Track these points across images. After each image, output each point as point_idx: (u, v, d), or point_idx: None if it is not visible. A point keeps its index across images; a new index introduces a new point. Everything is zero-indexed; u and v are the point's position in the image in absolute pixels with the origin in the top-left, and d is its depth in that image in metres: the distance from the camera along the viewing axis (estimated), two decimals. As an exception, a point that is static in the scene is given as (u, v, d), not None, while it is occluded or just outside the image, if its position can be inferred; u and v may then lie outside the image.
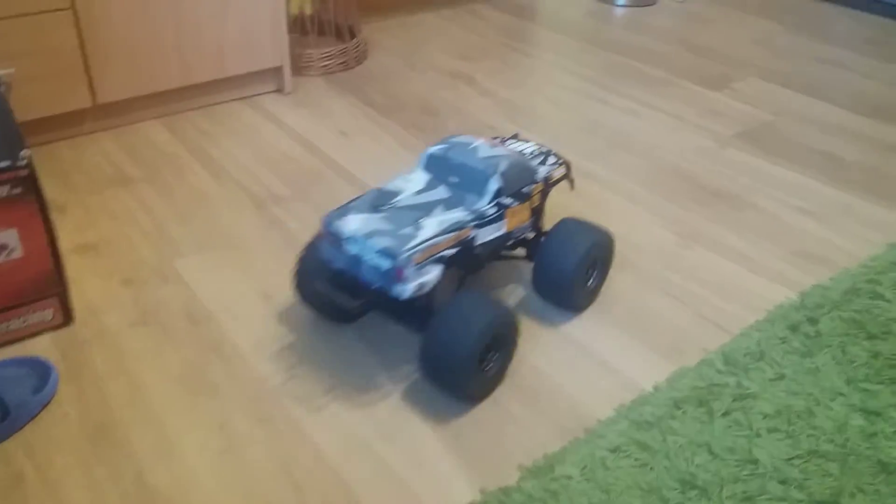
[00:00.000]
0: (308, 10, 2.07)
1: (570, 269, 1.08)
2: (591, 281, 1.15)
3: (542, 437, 0.96)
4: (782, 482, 0.90)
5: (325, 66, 1.94)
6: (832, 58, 2.20)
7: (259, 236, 1.32)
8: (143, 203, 1.40)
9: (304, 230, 1.34)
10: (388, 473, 0.91)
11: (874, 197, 1.50)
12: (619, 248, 1.32)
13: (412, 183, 1.07)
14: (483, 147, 1.08)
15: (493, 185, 1.02)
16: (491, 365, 0.98)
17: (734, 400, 1.00)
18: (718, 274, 1.27)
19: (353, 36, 2.02)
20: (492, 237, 1.04)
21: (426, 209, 1.00)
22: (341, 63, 1.96)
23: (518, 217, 1.08)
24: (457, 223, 0.99)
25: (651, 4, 2.59)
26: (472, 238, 1.01)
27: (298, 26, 2.03)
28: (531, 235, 1.16)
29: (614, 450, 0.93)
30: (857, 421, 0.99)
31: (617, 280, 1.24)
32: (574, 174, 1.54)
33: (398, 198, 1.03)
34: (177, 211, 1.39)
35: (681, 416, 0.98)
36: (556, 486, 0.89)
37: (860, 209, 1.46)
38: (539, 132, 1.70)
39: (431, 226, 0.97)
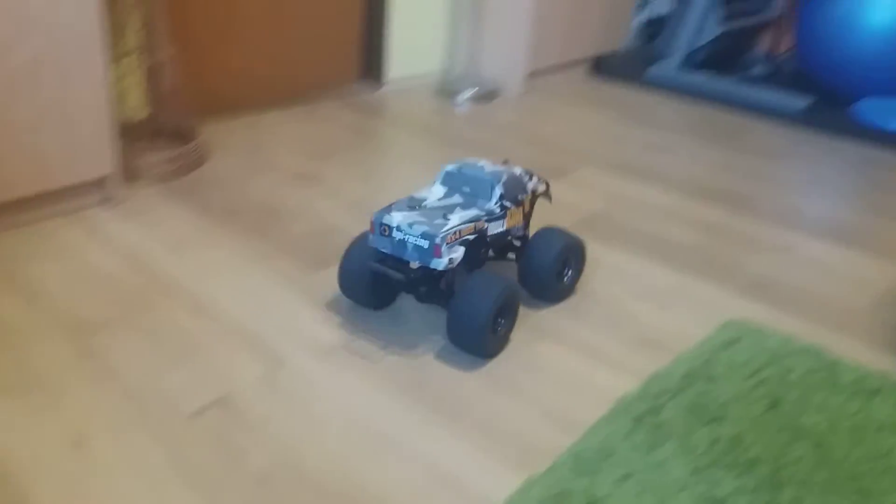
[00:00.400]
0: (142, 114, 1.99)
1: (547, 265, 1.39)
2: (566, 278, 1.46)
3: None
4: (635, 590, 0.87)
5: (159, 172, 1.86)
6: (658, 143, 2.35)
7: (73, 372, 1.20)
8: (-61, 341, 1.25)
9: (126, 361, 1.23)
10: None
11: (704, 277, 1.57)
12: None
13: (433, 193, 1.39)
14: (487, 165, 1.43)
15: (498, 190, 1.36)
16: (501, 328, 1.28)
17: (584, 505, 0.98)
18: (563, 368, 1.26)
19: (189, 139, 1.95)
20: (496, 231, 1.37)
21: (449, 209, 1.33)
22: (176, 169, 1.88)
23: (514, 218, 1.41)
24: (475, 216, 1.31)
25: (492, 99, 2.69)
26: (486, 229, 1.34)
27: (130, 131, 1.95)
28: (518, 243, 1.48)
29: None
30: (704, 512, 0.98)
31: (462, 381, 1.21)
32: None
33: (426, 202, 1.35)
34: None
35: (531, 528, 0.94)
36: None
37: (692, 289, 1.52)
38: (383, 232, 1.68)
39: (456, 218, 1.29)
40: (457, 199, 1.37)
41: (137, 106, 1.97)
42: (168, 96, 1.87)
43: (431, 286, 1.35)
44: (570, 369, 1.26)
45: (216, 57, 2.25)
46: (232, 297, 1.41)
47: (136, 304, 1.37)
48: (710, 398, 1.18)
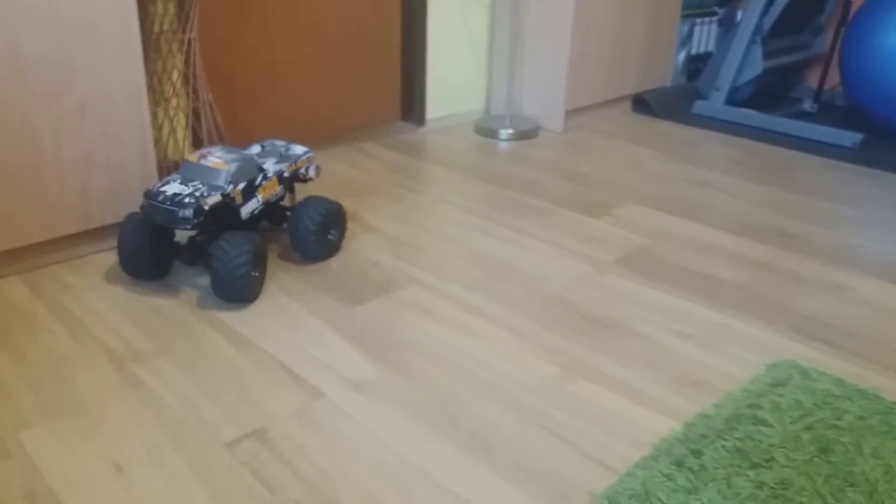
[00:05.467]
0: (184, 157, 2.03)
1: (313, 226, 1.63)
2: (330, 235, 1.70)
3: None
4: None
5: (204, 210, 1.89)
6: (703, 179, 2.32)
7: (115, 399, 1.22)
8: (-12, 370, 1.28)
9: (167, 390, 1.24)
10: None
11: (749, 317, 1.53)
12: (501, 384, 1.28)
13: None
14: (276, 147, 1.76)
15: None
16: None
17: (621, 549, 0.94)
18: (602, 407, 1.24)
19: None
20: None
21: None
22: (221, 207, 1.92)
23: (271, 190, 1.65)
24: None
25: (533, 137, 2.70)
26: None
27: (172, 172, 1.99)
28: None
29: None
30: (749, 560, 0.94)
31: (499, 420, 1.19)
32: (459, 308, 1.52)
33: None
34: (27, 376, 1.27)
35: (566, 572, 0.91)
36: None
37: (737, 329, 1.48)
38: (423, 266, 1.69)
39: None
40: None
41: (180, 148, 2.02)
42: (209, 139, 1.92)
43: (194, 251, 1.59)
44: (609, 408, 1.23)
45: (258, 101, 2.30)
46: (271, 329, 1.42)
47: (177, 335, 1.39)
48: (756, 442, 1.14)
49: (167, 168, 1.87)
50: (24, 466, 1.07)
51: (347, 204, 2.03)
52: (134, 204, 1.68)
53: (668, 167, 2.44)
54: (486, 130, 2.70)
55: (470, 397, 1.25)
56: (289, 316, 1.47)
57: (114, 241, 1.72)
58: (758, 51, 2.89)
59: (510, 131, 2.67)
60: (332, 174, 2.25)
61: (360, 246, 1.78)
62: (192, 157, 1.55)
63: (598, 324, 1.49)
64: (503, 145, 2.61)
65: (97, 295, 1.52)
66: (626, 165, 2.44)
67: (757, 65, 2.91)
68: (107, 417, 1.18)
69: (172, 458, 1.09)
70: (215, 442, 1.13)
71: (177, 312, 1.47)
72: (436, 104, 2.71)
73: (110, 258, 1.68)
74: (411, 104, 2.73)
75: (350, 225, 1.90)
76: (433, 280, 1.63)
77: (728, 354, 1.40)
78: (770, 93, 3.12)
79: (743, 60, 2.90)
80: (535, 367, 1.34)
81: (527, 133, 2.70)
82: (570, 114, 2.80)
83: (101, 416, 1.18)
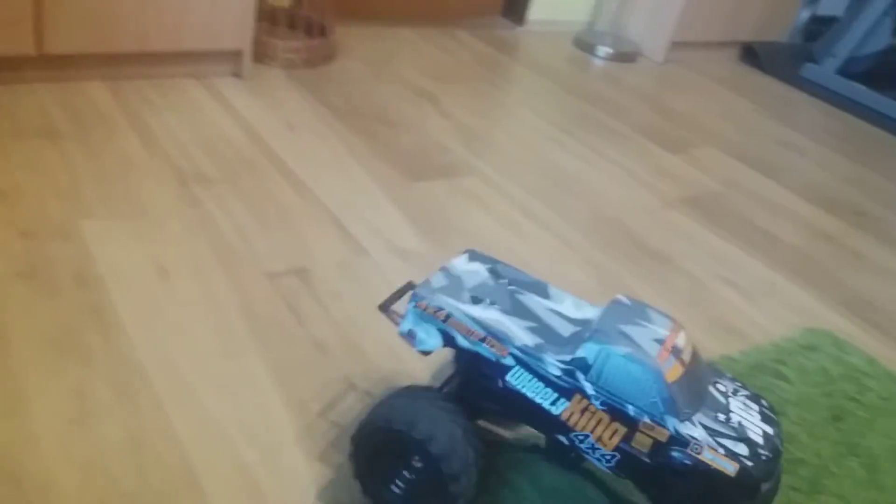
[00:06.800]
0: (285, 2, 2.05)
1: None
2: None
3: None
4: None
5: (289, 59, 1.91)
6: (792, 142, 2.24)
7: (174, 213, 1.28)
8: (65, 159, 1.35)
9: (222, 215, 1.30)
10: (240, 466, 0.87)
11: (801, 281, 1.51)
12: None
13: (574, 308, 0.89)
14: (650, 333, 0.82)
15: (584, 352, 0.80)
16: None
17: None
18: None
19: (323, 34, 2.00)
20: (527, 394, 0.83)
21: (521, 311, 0.86)
22: (306, 59, 1.94)
23: (588, 421, 0.81)
24: (499, 331, 0.83)
25: (631, 62, 2.62)
26: (502, 366, 0.83)
27: (269, 15, 2.01)
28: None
29: None
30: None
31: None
32: (513, 207, 1.53)
33: (541, 296, 0.89)
34: (98, 172, 1.34)
35: None
36: None
37: (785, 290, 1.46)
38: (489, 161, 1.69)
39: (472, 310, 0.85)
40: (563, 327, 0.86)
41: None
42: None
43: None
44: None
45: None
46: (332, 184, 1.46)
47: (244, 169, 1.44)
48: (772, 395, 1.14)
49: (263, 10, 1.89)
50: (80, 250, 1.15)
51: (429, 85, 2.02)
52: (227, 37, 1.70)
53: (761, 122, 2.35)
54: (585, 44, 2.63)
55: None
56: (352, 177, 1.50)
57: (203, 70, 1.76)
58: (888, 24, 2.72)
59: (609, 50, 2.60)
60: (420, 55, 2.23)
61: (432, 128, 1.79)
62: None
63: (648, 254, 1.48)
64: (599, 63, 2.54)
65: (176, 117, 1.58)
66: (717, 110, 2.36)
67: (884, 38, 2.74)
68: (163, 226, 1.24)
69: (215, 275, 1.16)
70: (258, 270, 1.19)
71: (248, 149, 1.52)
72: (540, 5, 2.64)
73: (193, 84, 1.72)
74: (514, 1, 2.66)
75: (427, 107, 1.90)
76: (495, 176, 1.64)
77: (769, 311, 1.39)
78: (888, 72, 2.95)
79: (870, 31, 2.73)
80: (575, 277, 1.36)
81: (626, 55, 2.62)
82: (674, 46, 2.70)
83: (158, 223, 1.25)
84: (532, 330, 0.84)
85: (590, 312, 0.87)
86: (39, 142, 1.38)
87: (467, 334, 0.83)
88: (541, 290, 0.90)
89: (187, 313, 1.08)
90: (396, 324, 0.88)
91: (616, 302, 0.85)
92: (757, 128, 2.30)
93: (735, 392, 0.86)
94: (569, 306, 0.88)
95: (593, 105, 2.16)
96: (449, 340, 0.85)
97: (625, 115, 2.14)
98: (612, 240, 1.50)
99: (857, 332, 1.39)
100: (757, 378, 1.17)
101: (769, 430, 0.82)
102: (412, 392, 0.87)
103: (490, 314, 0.84)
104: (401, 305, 0.88)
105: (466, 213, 1.47)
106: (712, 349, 1.24)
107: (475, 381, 0.86)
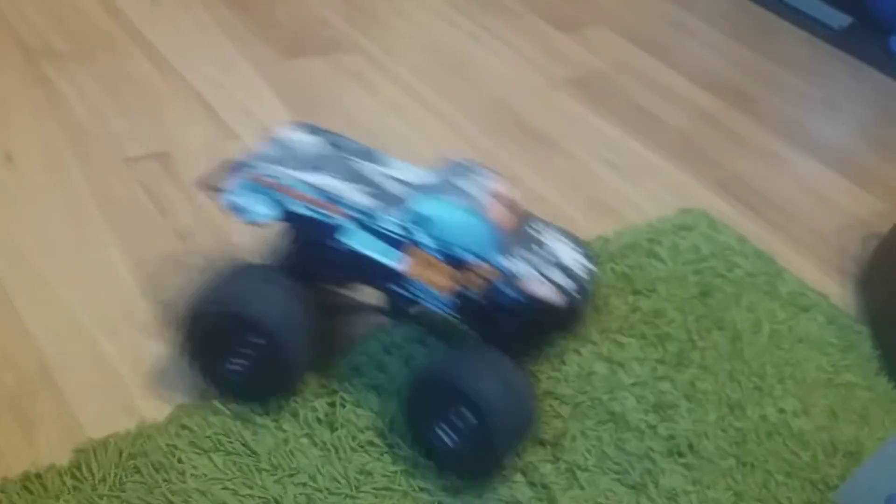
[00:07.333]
0: None
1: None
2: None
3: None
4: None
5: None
6: (683, 23, 2.23)
7: (19, 92, 1.17)
8: None
9: (75, 94, 1.19)
10: (98, 360, 0.83)
11: (680, 162, 1.53)
12: (420, 170, 1.27)
13: (405, 170, 0.89)
14: (478, 183, 0.86)
15: (422, 209, 0.82)
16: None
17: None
18: (511, 211, 1.25)
19: None
20: (365, 252, 0.83)
21: (351, 171, 0.86)
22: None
23: (426, 270, 0.84)
24: (335, 194, 0.82)
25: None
26: (336, 227, 0.83)
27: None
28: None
29: (354, 371, 0.90)
30: (601, 370, 1.00)
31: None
32: (399, 88, 1.47)
33: (371, 160, 0.89)
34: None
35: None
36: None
37: (664, 171, 1.49)
38: (373, 37, 1.61)
39: (311, 177, 0.83)
40: (396, 189, 0.87)
41: None
42: None
43: None
44: (518, 214, 1.24)
45: None
46: (198, 62, 1.36)
47: (99, 43, 1.32)
48: (644, 273, 1.17)
49: None
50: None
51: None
52: None
53: (655, 3, 2.33)
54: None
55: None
56: (221, 53, 1.40)
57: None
58: None
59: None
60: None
61: (310, 1, 1.67)
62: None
63: (532, 135, 1.47)
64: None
65: (20, -18, 1.41)
66: (611, -10, 2.31)
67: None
68: (6, 107, 1.13)
69: (68, 160, 1.07)
70: (115, 155, 1.11)
71: (104, 21, 1.38)
72: None
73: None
74: None
75: (309, -22, 1.77)
76: (380, 54, 1.56)
77: (647, 191, 1.41)
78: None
79: None
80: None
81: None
82: (571, -79, 2.60)
83: (2, 104, 1.13)
84: (368, 193, 0.84)
85: (425, 176, 0.89)
86: None
87: (301, 200, 0.82)
88: (377, 157, 0.90)
89: (37, 202, 1.00)
90: (219, 198, 0.83)
91: (447, 162, 0.89)
92: (650, 7, 2.27)
93: (549, 231, 0.95)
94: (405, 171, 0.89)
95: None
96: (282, 209, 0.83)
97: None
98: (498, 123, 1.47)
99: (731, 212, 1.43)
100: (630, 257, 1.19)
101: (580, 257, 0.94)
102: (241, 270, 0.85)
103: (325, 180, 0.84)
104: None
105: (347, 92, 1.41)
106: (589, 229, 1.25)
107: (311, 250, 0.86)
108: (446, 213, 0.81)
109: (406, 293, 0.85)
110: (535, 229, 0.92)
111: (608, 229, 1.26)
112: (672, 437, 0.94)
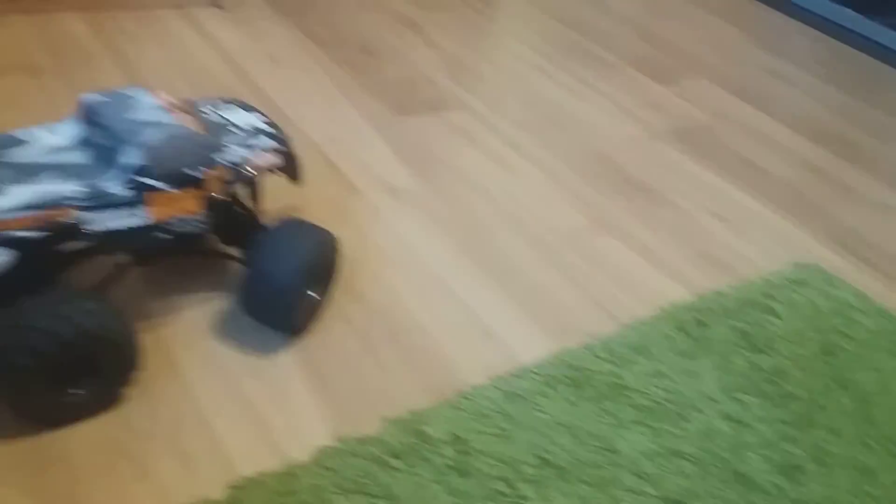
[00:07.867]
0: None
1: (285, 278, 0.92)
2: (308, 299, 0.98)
3: (412, 393, 0.94)
4: (637, 475, 0.89)
5: (270, -13, 1.84)
6: (781, 72, 2.21)
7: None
8: (46, 93, 1.31)
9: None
10: (249, 407, 0.87)
11: (789, 214, 1.51)
12: (529, 222, 1.29)
13: (56, 136, 0.86)
14: (150, 107, 0.87)
15: (130, 158, 0.82)
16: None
17: (607, 388, 0.99)
18: (620, 264, 1.25)
19: (304, -39, 1.93)
20: (120, 226, 0.83)
21: (34, 171, 0.80)
22: (287, -13, 1.87)
23: (174, 206, 0.86)
24: (53, 198, 0.78)
25: (619, -12, 2.55)
26: (76, 223, 0.80)
27: None
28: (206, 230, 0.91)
29: (480, 417, 0.91)
30: (724, 428, 0.98)
31: (520, 253, 1.21)
32: (502, 142, 1.50)
33: (19, 150, 0.83)
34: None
35: (552, 394, 0.96)
36: (415, 442, 0.86)
37: (773, 223, 1.47)
38: (477, 93, 1.65)
39: (21, 194, 0.77)
40: (78, 156, 0.84)
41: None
42: None
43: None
44: (627, 267, 1.25)
45: None
46: (315, 118, 1.42)
47: (225, 104, 1.40)
48: (763, 329, 1.15)
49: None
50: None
51: (413, 14, 1.96)
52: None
53: (750, 51, 2.31)
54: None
55: (496, 226, 1.27)
56: (338, 111, 1.47)
57: (182, 0, 1.69)
58: (881, -53, 2.65)
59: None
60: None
61: (417, 59, 1.74)
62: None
63: (637, 187, 1.47)
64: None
65: (156, 48, 1.52)
66: (708, 39, 2.31)
67: (876, -37, 2.68)
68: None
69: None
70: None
71: (230, 81, 1.47)
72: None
73: (172, 14, 1.65)
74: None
75: (412, 37, 1.84)
76: (483, 109, 1.61)
77: (757, 244, 1.39)
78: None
79: (862, -45, 2.67)
80: (564, 213, 1.35)
81: (613, -17, 2.54)
82: (663, -28, 2.62)
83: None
84: (60, 177, 0.80)
85: (73, 129, 0.86)
86: (19, 77, 1.34)
87: (24, 227, 0.77)
88: (14, 142, 0.84)
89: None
90: None
91: (88, 102, 0.86)
92: (748, 57, 2.26)
93: (223, 107, 1.00)
94: (51, 138, 0.85)
95: (582, 33, 2.11)
96: (13, 244, 0.77)
97: (613, 44, 2.09)
98: (601, 173, 1.49)
99: (846, 266, 1.40)
100: (747, 314, 1.17)
101: (256, 115, 1.02)
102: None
103: (19, 193, 0.77)
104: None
105: (455, 148, 1.45)
106: (701, 283, 1.24)
107: (56, 258, 0.83)
108: (156, 147, 0.83)
109: (170, 235, 0.87)
110: (214, 112, 0.98)
111: (721, 283, 1.25)
112: (804, 502, 0.91)
